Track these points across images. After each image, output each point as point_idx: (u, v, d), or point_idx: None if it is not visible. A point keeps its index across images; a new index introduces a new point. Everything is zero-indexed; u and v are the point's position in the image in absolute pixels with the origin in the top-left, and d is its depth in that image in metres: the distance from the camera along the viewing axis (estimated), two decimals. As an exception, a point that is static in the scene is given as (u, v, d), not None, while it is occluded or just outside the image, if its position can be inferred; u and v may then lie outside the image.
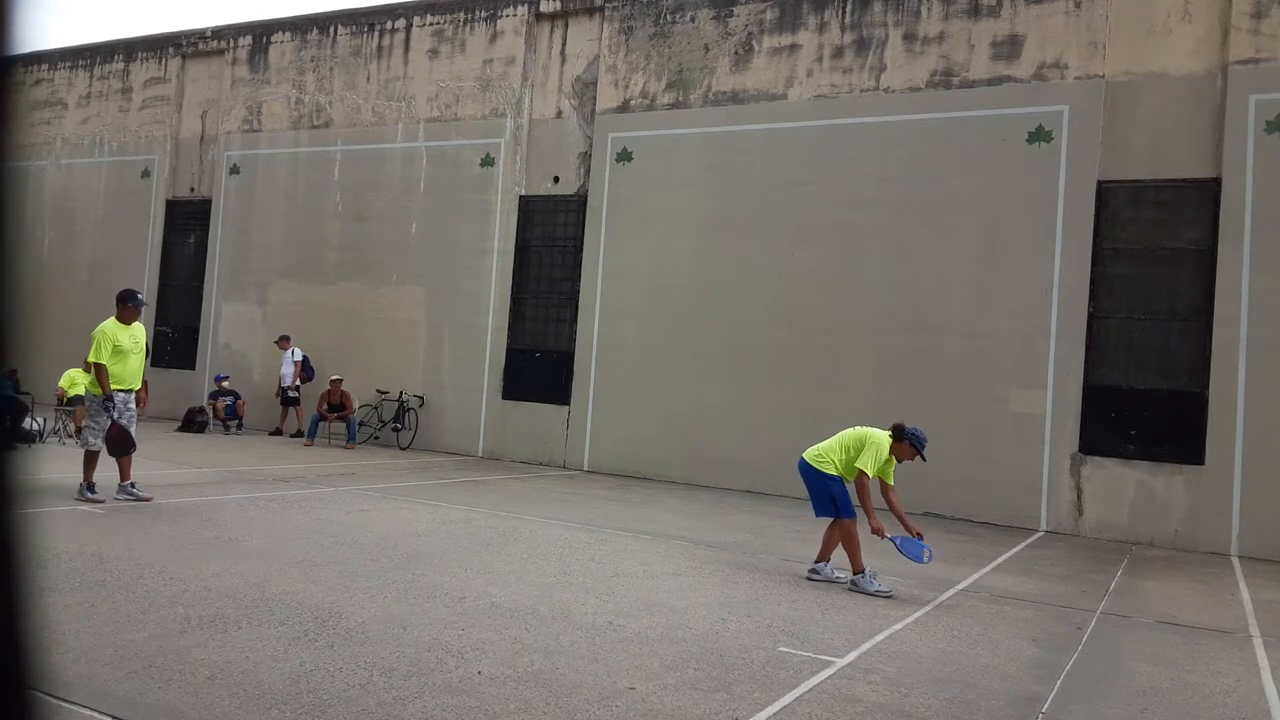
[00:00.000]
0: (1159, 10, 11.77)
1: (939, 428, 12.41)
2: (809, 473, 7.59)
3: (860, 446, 7.42)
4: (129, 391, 8.86)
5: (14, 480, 1.30)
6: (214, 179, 19.06)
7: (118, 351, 8.73)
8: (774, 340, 13.36)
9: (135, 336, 8.95)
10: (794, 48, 13.80)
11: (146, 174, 19.96)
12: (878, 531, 7.09)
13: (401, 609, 5.58)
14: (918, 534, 7.31)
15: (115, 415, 8.71)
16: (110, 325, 8.79)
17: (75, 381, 14.44)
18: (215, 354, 18.57)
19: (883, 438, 7.40)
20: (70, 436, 13.61)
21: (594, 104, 15.30)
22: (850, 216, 13.11)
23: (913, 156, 12.87)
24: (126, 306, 8.90)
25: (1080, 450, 11.71)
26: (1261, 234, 10.96)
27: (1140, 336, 11.71)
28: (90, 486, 8.67)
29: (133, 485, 8.89)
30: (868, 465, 7.27)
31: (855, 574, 7.27)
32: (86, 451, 8.78)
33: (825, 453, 7.55)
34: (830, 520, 7.50)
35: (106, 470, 8.84)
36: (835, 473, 7.46)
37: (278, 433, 16.96)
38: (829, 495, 7.42)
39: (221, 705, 3.85)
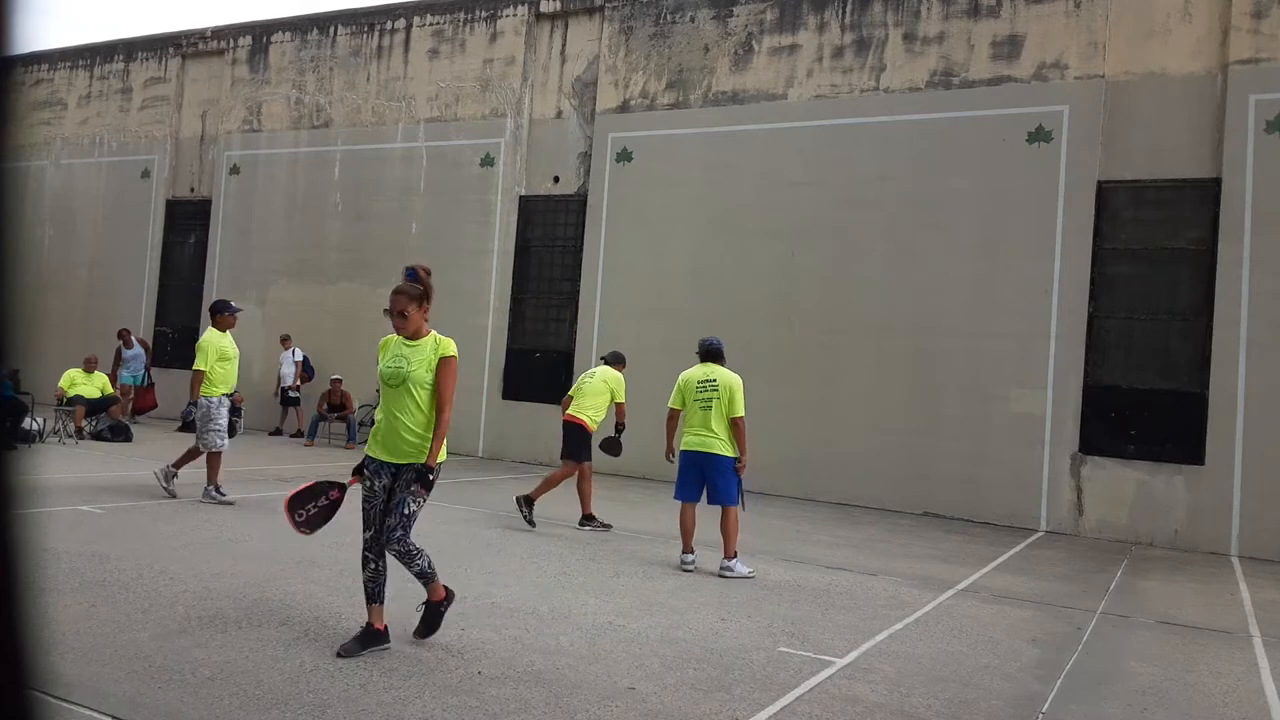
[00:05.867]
0: (1159, 10, 11.77)
1: (939, 428, 12.44)
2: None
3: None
4: (231, 394, 9.32)
5: (14, 480, 1.30)
6: (214, 179, 19.05)
7: (224, 358, 9.15)
8: (774, 340, 13.36)
9: (233, 343, 9.39)
10: (794, 48, 13.80)
11: (146, 174, 19.95)
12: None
13: (401, 609, 5.58)
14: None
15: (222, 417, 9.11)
16: (213, 336, 9.21)
17: (75, 382, 14.44)
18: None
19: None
20: (70, 437, 13.62)
21: (594, 104, 15.30)
22: (850, 216, 13.11)
23: (913, 156, 12.86)
24: (224, 315, 9.36)
25: (1080, 450, 11.71)
26: (1261, 234, 10.95)
27: (1140, 336, 11.71)
28: (218, 487, 9.01)
29: (218, 489, 9.10)
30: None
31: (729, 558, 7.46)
32: (209, 454, 9.07)
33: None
34: (692, 505, 7.64)
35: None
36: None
37: (278, 433, 16.96)
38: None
39: (221, 705, 3.85)
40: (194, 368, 9.12)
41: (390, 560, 4.86)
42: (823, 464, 12.93)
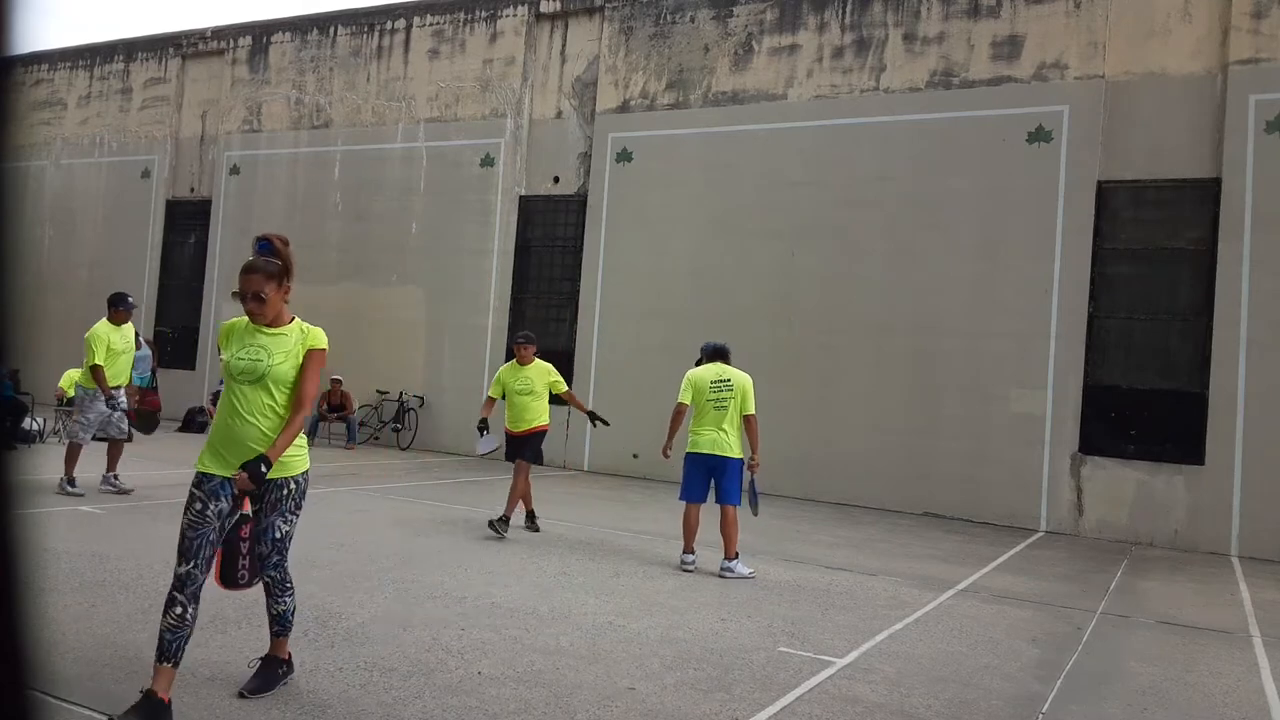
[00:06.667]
0: (1159, 10, 11.77)
1: (939, 428, 12.44)
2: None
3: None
4: (118, 388, 9.26)
5: (14, 480, 1.30)
6: (214, 179, 19.06)
7: (111, 352, 9.15)
8: (774, 340, 13.36)
9: (126, 337, 9.39)
10: (794, 48, 13.80)
11: (146, 174, 19.96)
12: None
13: (401, 609, 5.58)
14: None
15: (110, 410, 9.12)
16: (103, 328, 9.21)
17: (75, 382, 14.44)
18: (215, 354, 18.56)
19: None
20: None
21: (594, 104, 15.30)
22: (850, 216, 13.11)
23: (913, 156, 12.86)
24: (117, 309, 9.37)
25: (1080, 450, 11.71)
26: (1261, 234, 10.96)
27: (1140, 336, 11.71)
28: (71, 481, 8.91)
29: (115, 477, 9.22)
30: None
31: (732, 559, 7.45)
32: (70, 444, 9.11)
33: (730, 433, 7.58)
34: (698, 506, 7.66)
35: (87, 468, 8.84)
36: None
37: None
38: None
39: (221, 705, 3.85)
40: (88, 364, 9.00)
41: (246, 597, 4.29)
42: (823, 464, 12.93)
